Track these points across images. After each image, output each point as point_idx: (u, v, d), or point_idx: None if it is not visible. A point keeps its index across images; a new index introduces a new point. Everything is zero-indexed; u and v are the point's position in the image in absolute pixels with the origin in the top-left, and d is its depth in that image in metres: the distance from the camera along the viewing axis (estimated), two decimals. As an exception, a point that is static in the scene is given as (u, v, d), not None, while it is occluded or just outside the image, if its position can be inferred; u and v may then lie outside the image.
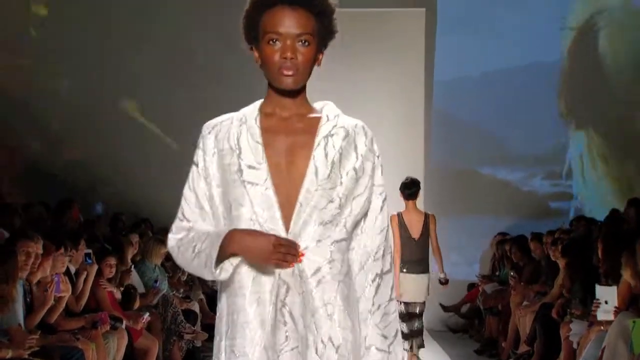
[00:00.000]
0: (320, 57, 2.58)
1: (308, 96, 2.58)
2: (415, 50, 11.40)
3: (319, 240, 2.49)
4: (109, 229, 9.22)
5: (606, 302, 6.50)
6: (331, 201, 2.51)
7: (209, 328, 8.28)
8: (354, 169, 2.54)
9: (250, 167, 2.49)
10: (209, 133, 2.58)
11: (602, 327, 6.53)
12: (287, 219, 2.47)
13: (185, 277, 9.57)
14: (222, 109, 2.68)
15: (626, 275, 6.47)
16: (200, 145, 2.58)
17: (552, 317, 7.90)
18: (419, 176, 9.05)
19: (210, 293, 9.70)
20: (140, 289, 8.26)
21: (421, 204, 9.16)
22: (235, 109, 2.63)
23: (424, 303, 8.52)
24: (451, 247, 10.80)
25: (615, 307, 6.43)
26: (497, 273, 10.81)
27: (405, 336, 8.50)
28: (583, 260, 7.78)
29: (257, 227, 2.45)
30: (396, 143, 11.51)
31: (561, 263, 8.25)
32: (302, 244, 2.46)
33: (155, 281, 8.35)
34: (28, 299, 6.26)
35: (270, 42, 2.48)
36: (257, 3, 2.53)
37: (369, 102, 11.48)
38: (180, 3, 11.68)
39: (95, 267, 7.31)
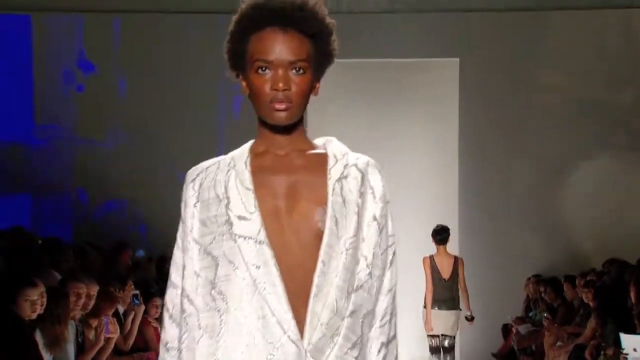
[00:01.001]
0: (317, 85, 2.20)
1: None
2: (450, 100, 11.32)
3: (353, 312, 2.12)
4: (155, 272, 9.47)
5: (635, 350, 6.61)
6: (357, 263, 2.14)
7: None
8: (374, 217, 2.17)
9: (240, 217, 2.12)
10: (192, 181, 2.22)
11: (634, 369, 6.65)
12: (293, 280, 2.09)
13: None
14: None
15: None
16: (183, 196, 2.24)
17: (585, 357, 7.98)
18: (454, 223, 9.43)
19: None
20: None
21: (456, 248, 9.59)
22: None
23: (454, 337, 9.00)
24: (484, 287, 10.91)
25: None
26: (530, 314, 10.90)
27: None
28: (615, 303, 7.88)
29: (250, 290, 2.08)
30: (430, 190, 11.58)
31: (593, 305, 8.37)
32: (323, 316, 2.07)
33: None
34: (80, 339, 6.52)
35: (260, 70, 2.12)
36: (242, 24, 2.16)
37: (404, 152, 11.51)
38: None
39: (143, 307, 7.60)
